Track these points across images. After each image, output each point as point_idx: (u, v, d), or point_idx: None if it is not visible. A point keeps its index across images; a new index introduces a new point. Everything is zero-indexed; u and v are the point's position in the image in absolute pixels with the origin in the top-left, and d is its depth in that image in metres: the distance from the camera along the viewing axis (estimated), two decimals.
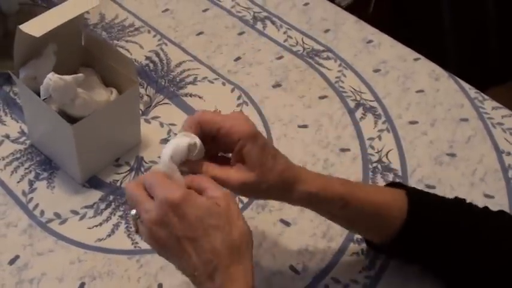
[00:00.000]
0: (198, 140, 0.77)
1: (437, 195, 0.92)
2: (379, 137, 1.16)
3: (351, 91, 1.23)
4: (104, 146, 1.03)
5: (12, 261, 0.94)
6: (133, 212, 0.74)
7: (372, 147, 1.14)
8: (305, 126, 1.16)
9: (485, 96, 1.25)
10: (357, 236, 1.00)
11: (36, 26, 0.93)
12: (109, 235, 0.98)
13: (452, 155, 1.14)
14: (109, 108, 1.00)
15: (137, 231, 0.75)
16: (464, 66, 1.53)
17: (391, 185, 0.92)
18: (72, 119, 0.97)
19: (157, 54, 1.26)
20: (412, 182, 1.09)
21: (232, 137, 0.77)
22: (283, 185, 0.80)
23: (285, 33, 1.33)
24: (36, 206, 1.01)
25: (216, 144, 0.79)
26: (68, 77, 0.93)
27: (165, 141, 1.12)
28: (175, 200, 0.69)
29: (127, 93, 1.02)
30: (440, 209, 0.87)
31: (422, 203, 0.87)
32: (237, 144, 0.77)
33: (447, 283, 0.91)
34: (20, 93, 1.03)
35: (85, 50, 1.06)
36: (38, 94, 0.95)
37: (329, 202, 0.82)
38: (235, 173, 0.77)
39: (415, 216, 0.85)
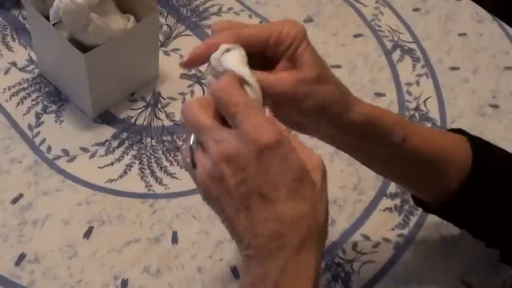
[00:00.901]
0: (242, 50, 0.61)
1: (502, 148, 0.77)
2: (417, 83, 1.06)
3: (388, 30, 1.13)
4: (118, 78, 0.95)
5: (15, 200, 0.86)
6: (193, 139, 0.57)
7: (409, 93, 1.05)
8: (338, 67, 1.06)
9: None
10: (391, 190, 0.92)
11: None
12: (121, 176, 0.90)
13: (496, 106, 1.05)
14: (125, 37, 0.91)
15: (193, 166, 0.57)
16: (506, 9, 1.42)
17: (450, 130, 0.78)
18: (84, 47, 0.88)
19: None
20: None
21: (284, 43, 0.62)
22: (340, 97, 0.65)
23: None
24: (43, 141, 0.93)
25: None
26: (81, 0, 0.83)
27: (185, 75, 1.03)
28: (269, 143, 0.53)
29: (145, 21, 0.93)
30: (509, 165, 0.75)
31: (488, 154, 0.74)
32: (289, 48, 0.62)
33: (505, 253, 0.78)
34: (28, 17, 0.94)
35: None
36: (48, 18, 0.86)
37: (386, 132, 0.67)
38: (287, 74, 0.62)
39: (481, 169, 0.71)
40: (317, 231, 0.55)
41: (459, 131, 0.76)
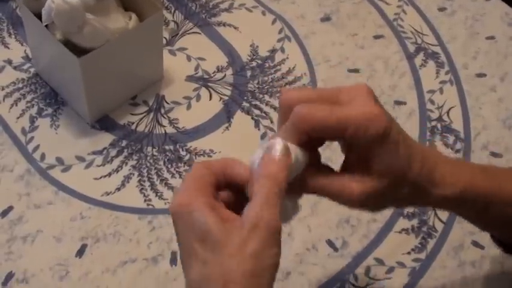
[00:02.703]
0: (300, 156, 0.55)
1: None
2: (441, 90, 0.99)
3: (411, 32, 1.06)
4: (118, 81, 0.88)
5: (4, 213, 0.81)
6: None
7: (432, 102, 0.98)
8: (356, 71, 0.99)
9: None
10: (408, 210, 0.85)
11: None
12: (118, 188, 0.84)
13: None
14: (125, 38, 0.85)
15: None
16: None
17: None
18: (81, 49, 0.81)
19: None
20: (476, 148, 0.93)
21: (358, 141, 0.54)
22: (417, 191, 0.59)
23: None
24: (37, 147, 0.87)
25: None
26: (75, 0, 0.77)
27: (191, 78, 0.96)
28: (170, 208, 0.53)
29: (148, 21, 0.86)
30: None
31: None
32: (363, 147, 0.55)
33: None
34: (21, 15, 0.88)
35: None
36: (41, 18, 0.80)
37: (470, 206, 0.63)
38: (352, 181, 0.56)
39: None
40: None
41: None
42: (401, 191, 0.58)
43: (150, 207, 0.83)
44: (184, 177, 0.57)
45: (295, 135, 0.54)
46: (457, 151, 0.92)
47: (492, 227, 0.69)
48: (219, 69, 0.98)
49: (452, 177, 0.60)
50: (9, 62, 0.94)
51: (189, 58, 0.98)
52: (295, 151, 0.54)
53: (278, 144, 0.53)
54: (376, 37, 1.05)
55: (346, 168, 0.58)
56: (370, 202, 0.57)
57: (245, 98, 0.95)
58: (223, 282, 0.50)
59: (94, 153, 0.87)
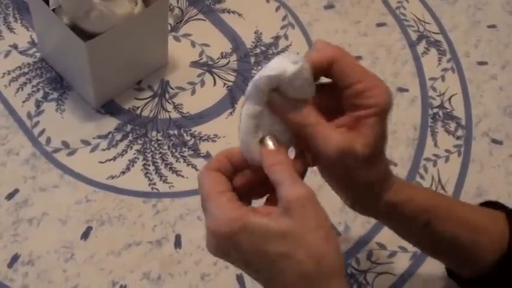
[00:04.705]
0: (308, 71, 0.56)
1: None
2: (443, 78, 1.00)
3: (414, 20, 1.06)
4: (123, 66, 0.89)
5: (10, 196, 0.81)
6: None
7: (434, 89, 0.98)
8: (359, 58, 1.00)
9: None
10: None
11: None
12: (123, 172, 0.85)
13: None
14: (131, 24, 0.85)
15: None
16: None
17: (486, 204, 0.73)
18: (87, 34, 0.82)
19: None
20: (477, 135, 0.93)
21: (367, 100, 0.57)
22: (378, 184, 0.62)
23: None
24: (43, 131, 0.87)
25: (327, 96, 0.59)
26: None
27: (196, 64, 0.97)
28: (223, 234, 0.53)
29: (154, 6, 0.86)
30: None
31: None
32: (368, 110, 0.57)
33: None
34: (28, 0, 0.88)
35: None
36: (48, 2, 0.80)
37: (410, 219, 0.65)
38: (339, 135, 0.57)
39: None
40: (309, 276, 0.53)
41: (495, 205, 0.72)
42: (370, 174, 0.60)
43: (155, 191, 0.84)
44: (207, 193, 0.55)
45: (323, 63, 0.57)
46: (459, 138, 0.93)
47: (436, 248, 0.70)
48: (223, 56, 0.98)
49: (395, 191, 0.63)
50: (15, 46, 0.95)
51: (193, 44, 0.99)
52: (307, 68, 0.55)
53: (269, 140, 0.57)
54: (379, 25, 1.05)
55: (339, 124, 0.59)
56: (341, 163, 0.57)
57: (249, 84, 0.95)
58: (316, 261, 0.52)
59: (99, 137, 0.87)
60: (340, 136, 0.56)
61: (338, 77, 0.57)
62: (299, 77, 0.55)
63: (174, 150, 0.87)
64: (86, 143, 0.87)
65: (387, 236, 0.83)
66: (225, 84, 0.95)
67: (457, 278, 0.74)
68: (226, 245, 0.54)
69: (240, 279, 0.78)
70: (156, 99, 0.92)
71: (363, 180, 0.60)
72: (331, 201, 0.84)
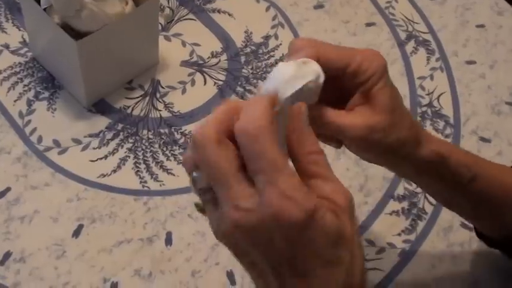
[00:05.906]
0: (322, 73, 0.54)
1: None
2: (431, 77, 1.01)
3: (403, 20, 1.08)
4: (114, 65, 0.89)
5: (1, 194, 0.82)
6: (195, 174, 0.48)
7: (422, 88, 0.99)
8: None
9: None
10: (399, 192, 0.87)
11: None
12: (114, 170, 0.86)
13: None
14: (122, 23, 0.86)
15: (201, 211, 0.51)
16: None
17: None
18: (78, 33, 0.83)
19: None
20: (465, 133, 0.95)
21: (362, 76, 0.58)
22: (414, 138, 0.61)
23: None
24: (34, 130, 0.88)
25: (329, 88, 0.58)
26: None
27: (186, 63, 0.97)
28: (299, 222, 0.44)
29: (144, 5, 0.87)
30: None
31: None
32: (366, 82, 0.58)
33: None
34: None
35: None
36: (39, 1, 0.81)
37: (455, 172, 0.64)
38: (358, 117, 0.58)
39: None
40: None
41: None
42: (401, 133, 0.60)
43: (146, 188, 0.84)
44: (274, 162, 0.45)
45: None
46: (447, 136, 0.94)
47: (474, 206, 0.69)
48: (214, 55, 0.99)
49: (436, 142, 0.64)
50: (7, 46, 0.95)
51: (184, 44, 1.00)
52: (320, 70, 0.54)
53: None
54: (368, 24, 1.06)
55: (351, 107, 0.60)
56: (372, 139, 0.58)
57: (239, 83, 0.96)
58: (360, 272, 0.49)
59: (90, 136, 0.88)
60: (361, 119, 0.58)
61: (327, 70, 0.56)
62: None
63: (164, 149, 0.88)
64: (77, 141, 0.87)
65: (376, 232, 0.84)
66: (215, 83, 0.96)
67: (488, 240, 0.75)
68: (286, 235, 0.45)
69: (230, 275, 0.79)
70: (147, 98, 0.93)
71: (396, 142, 0.60)
72: None
